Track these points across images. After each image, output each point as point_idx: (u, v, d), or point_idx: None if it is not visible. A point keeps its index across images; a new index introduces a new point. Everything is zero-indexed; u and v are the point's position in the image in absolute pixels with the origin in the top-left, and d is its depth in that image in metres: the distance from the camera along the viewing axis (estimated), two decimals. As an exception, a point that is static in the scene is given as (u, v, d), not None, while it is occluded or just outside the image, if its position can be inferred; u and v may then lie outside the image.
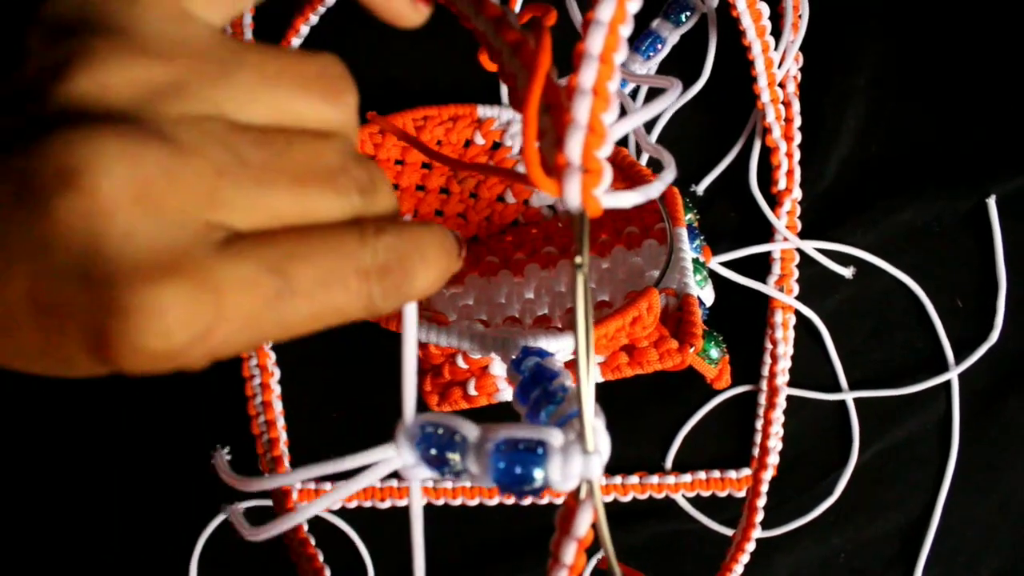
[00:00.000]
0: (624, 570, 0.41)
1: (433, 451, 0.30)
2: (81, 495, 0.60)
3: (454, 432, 0.29)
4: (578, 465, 0.28)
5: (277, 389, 0.59)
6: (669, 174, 0.33)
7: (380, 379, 0.59)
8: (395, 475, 0.31)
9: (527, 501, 0.61)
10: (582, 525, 0.29)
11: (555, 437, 0.28)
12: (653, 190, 0.30)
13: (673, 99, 0.33)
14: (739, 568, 0.56)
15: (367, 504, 0.61)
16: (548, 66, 0.28)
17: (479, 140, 0.56)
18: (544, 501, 0.61)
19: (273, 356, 0.59)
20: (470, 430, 0.29)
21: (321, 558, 0.57)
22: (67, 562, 0.60)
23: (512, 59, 0.31)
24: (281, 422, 0.59)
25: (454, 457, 0.29)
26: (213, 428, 0.60)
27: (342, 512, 0.61)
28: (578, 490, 0.29)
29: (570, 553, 0.29)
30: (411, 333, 0.29)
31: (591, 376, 0.28)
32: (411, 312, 0.30)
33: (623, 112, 0.52)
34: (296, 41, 0.55)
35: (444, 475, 0.30)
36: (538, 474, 0.28)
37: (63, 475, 0.60)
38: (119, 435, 0.60)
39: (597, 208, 0.27)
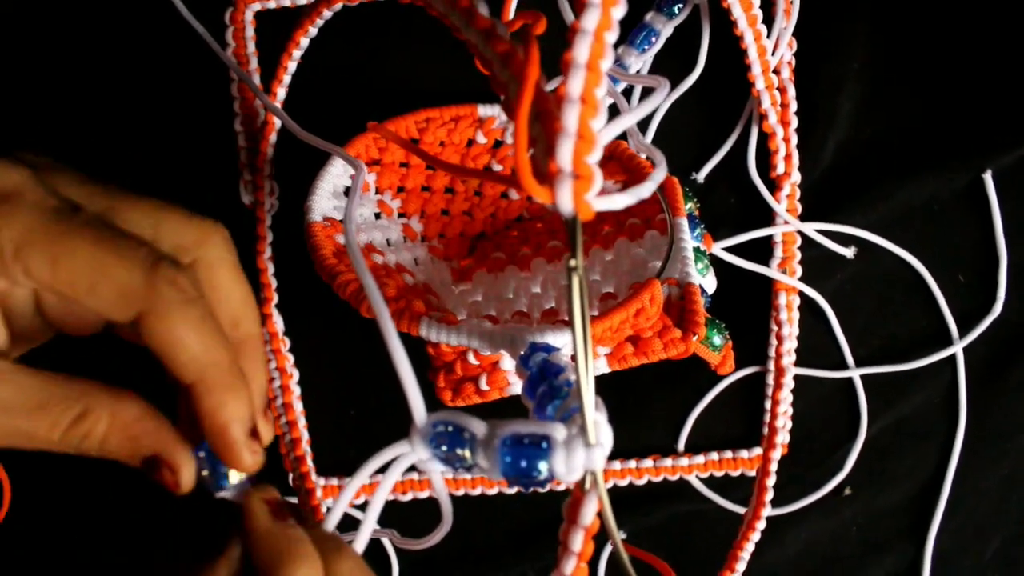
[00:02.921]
0: (637, 553, 0.43)
1: (444, 448, 0.31)
2: (91, 492, 0.61)
3: (463, 429, 0.31)
4: (581, 458, 0.29)
5: (297, 390, 0.60)
6: (660, 173, 0.34)
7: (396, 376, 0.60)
8: (413, 468, 0.33)
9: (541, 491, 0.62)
10: (588, 514, 0.30)
11: (559, 432, 0.30)
12: (644, 190, 0.31)
13: (661, 99, 0.34)
14: (750, 545, 0.57)
15: (388, 497, 0.62)
16: (536, 77, 0.29)
17: (481, 139, 0.57)
18: (562, 487, 0.62)
19: (291, 358, 0.60)
20: (478, 427, 0.31)
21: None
22: (74, 557, 0.61)
23: (503, 70, 0.32)
24: (302, 422, 0.60)
25: (464, 453, 0.31)
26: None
27: (363, 506, 0.62)
28: (583, 481, 0.30)
29: (578, 541, 0.31)
30: (395, 343, 0.31)
31: (591, 372, 0.30)
32: (387, 322, 0.31)
33: (617, 112, 0.53)
34: (297, 53, 0.56)
35: (457, 469, 0.32)
36: (543, 467, 0.29)
37: (75, 474, 0.61)
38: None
39: (589, 212, 0.29)
